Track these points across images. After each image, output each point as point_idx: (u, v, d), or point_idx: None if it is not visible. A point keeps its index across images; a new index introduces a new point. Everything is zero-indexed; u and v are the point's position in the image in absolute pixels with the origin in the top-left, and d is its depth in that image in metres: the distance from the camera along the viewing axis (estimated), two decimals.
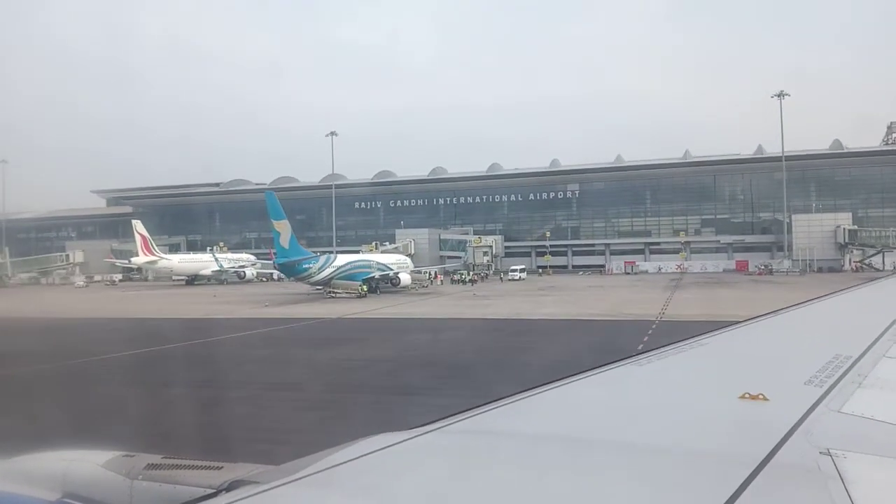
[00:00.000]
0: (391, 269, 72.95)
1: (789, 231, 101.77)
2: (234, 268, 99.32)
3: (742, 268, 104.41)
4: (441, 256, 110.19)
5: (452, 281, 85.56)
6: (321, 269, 65.67)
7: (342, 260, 69.38)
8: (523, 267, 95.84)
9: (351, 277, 67.19)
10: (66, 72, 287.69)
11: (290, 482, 2.55)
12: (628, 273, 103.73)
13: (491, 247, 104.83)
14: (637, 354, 5.17)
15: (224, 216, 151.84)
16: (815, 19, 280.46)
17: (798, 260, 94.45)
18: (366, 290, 64.76)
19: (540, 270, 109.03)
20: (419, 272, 77.78)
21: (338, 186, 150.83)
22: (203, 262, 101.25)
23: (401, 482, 2.72)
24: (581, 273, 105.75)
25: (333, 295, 64.46)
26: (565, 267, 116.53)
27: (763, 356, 5.85)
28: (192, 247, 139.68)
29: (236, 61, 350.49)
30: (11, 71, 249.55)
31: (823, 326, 8.08)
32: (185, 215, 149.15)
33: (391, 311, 51.07)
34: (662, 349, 5.37)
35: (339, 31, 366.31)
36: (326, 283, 65.84)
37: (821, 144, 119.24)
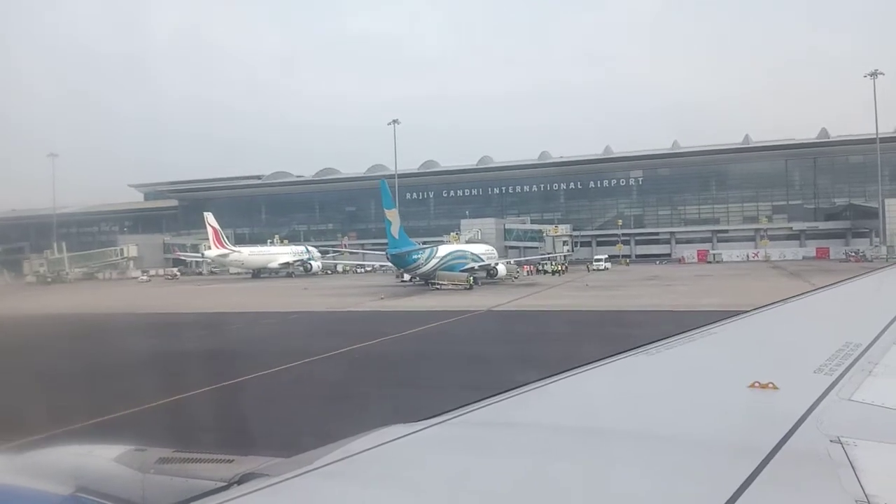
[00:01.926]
0: (482, 260, 70.05)
1: (872, 216, 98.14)
2: (303, 260, 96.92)
3: (822, 255, 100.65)
4: (506, 247, 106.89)
5: (537, 271, 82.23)
6: (428, 260, 62.84)
7: (444, 251, 66.44)
8: (608, 256, 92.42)
9: (450, 268, 64.27)
10: (84, 70, 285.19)
11: (301, 474, 2.57)
12: (709, 262, 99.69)
13: (571, 236, 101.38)
14: (647, 344, 5.10)
15: (270, 209, 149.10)
16: None
17: (893, 246, 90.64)
18: (472, 281, 61.68)
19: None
20: (509, 262, 74.77)
21: (384, 177, 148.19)
22: (270, 254, 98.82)
23: (412, 473, 2.77)
24: (658, 262, 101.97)
25: (438, 286, 61.41)
26: (628, 256, 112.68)
27: (772, 345, 5.86)
28: (240, 240, 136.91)
29: (250, 56, 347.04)
30: (37, 70, 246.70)
31: (833, 314, 8.00)
32: (231, 208, 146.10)
33: (528, 302, 48.00)
34: (672, 339, 5.32)
35: (350, 23, 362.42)
36: (430, 274, 62.84)
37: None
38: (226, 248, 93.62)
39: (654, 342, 5.17)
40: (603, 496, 2.50)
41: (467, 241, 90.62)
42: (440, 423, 3.26)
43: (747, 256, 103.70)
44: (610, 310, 42.33)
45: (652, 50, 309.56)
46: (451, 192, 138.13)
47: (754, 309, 7.40)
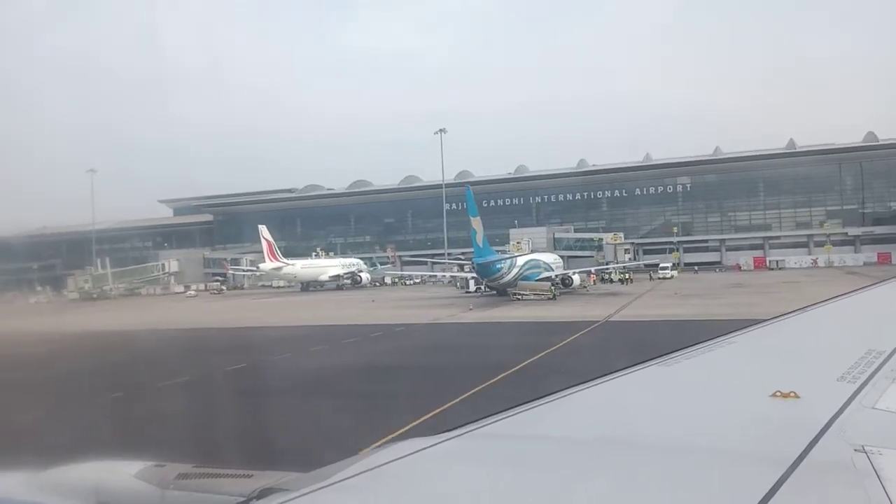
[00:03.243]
0: (552, 269, 68.07)
1: None
2: (352, 272, 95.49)
3: (884, 260, 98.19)
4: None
5: (602, 280, 79.97)
6: (510, 270, 60.83)
7: (521, 260, 64.47)
8: (673, 264, 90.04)
9: (526, 278, 62.25)
10: (106, 92, 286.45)
11: (319, 489, 2.58)
12: (771, 268, 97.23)
13: (633, 244, 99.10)
14: (664, 355, 4.96)
15: (304, 222, 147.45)
16: None
17: None
18: (556, 292, 59.55)
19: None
20: (582, 272, 72.64)
21: (417, 188, 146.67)
22: (321, 267, 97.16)
23: (431, 487, 2.76)
24: (717, 269, 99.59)
25: (519, 297, 59.28)
26: (695, 264, 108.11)
27: (793, 353, 5.80)
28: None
29: (261, 75, 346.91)
30: (59, 92, 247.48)
31: (854, 322, 7.97)
32: (265, 222, 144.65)
33: (635, 312, 45.73)
34: (690, 349, 5.25)
35: (350, 39, 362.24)
36: (511, 284, 60.77)
37: None
38: (279, 261, 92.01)
39: (672, 352, 5.06)
40: None
41: (532, 250, 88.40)
42: (458, 436, 3.23)
43: (815, 262, 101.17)
44: (743, 318, 40.04)
45: (667, 60, 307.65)
46: (490, 202, 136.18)
47: (773, 317, 7.28)
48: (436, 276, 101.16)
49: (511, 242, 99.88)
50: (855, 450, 2.80)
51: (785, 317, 7.42)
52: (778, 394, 3.72)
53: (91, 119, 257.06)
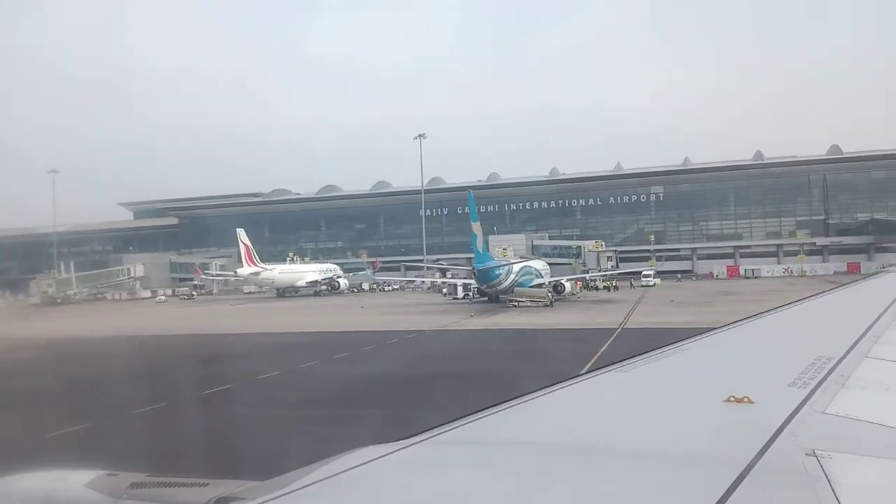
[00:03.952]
0: (542, 276, 67.59)
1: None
2: (330, 278, 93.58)
3: (854, 269, 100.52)
4: None
5: (586, 287, 79.59)
6: (507, 277, 60.01)
7: (517, 267, 63.73)
8: (655, 272, 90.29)
9: (520, 285, 61.62)
10: (64, 93, 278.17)
11: (276, 498, 2.53)
12: (747, 277, 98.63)
13: (616, 251, 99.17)
14: (621, 361, 5.07)
15: (274, 227, 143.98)
16: None
17: None
18: (553, 298, 58.94)
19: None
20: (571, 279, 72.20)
21: (391, 194, 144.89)
22: (298, 272, 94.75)
23: (389, 495, 2.72)
24: (694, 278, 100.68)
25: (515, 304, 58.46)
26: (679, 272, 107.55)
27: (747, 359, 5.90)
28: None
29: (214, 76, 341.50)
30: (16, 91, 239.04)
31: (805, 329, 8.21)
32: (233, 226, 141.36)
33: (644, 319, 45.23)
34: (646, 355, 5.34)
35: (313, 45, 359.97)
36: (506, 291, 59.93)
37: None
38: (258, 266, 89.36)
39: (629, 358, 5.16)
40: None
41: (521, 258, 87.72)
42: (417, 442, 3.20)
43: (787, 271, 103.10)
44: None
45: (633, 72, 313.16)
46: (463, 209, 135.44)
47: (727, 324, 7.55)
48: (413, 281, 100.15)
49: (498, 249, 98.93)
50: (806, 454, 2.86)
51: (738, 323, 7.66)
52: (732, 399, 3.78)
53: (47, 118, 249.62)
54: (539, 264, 72.29)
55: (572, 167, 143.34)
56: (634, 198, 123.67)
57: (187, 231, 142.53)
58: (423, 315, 53.51)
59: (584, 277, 75.79)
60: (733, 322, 7.73)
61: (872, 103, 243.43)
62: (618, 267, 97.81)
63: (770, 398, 3.98)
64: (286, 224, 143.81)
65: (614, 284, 79.50)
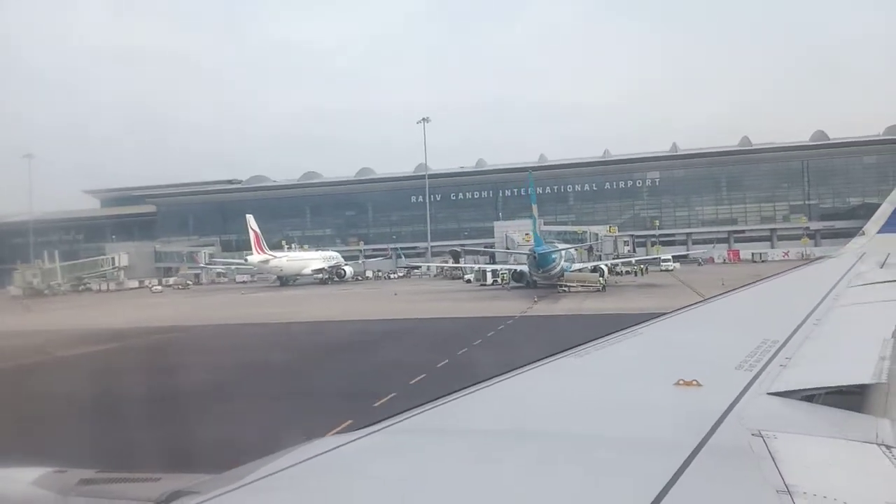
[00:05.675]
0: (575, 261, 66.25)
1: None
2: (337, 265, 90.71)
3: None
4: None
5: (610, 272, 78.38)
6: (559, 262, 58.10)
7: (563, 253, 61.95)
8: (674, 256, 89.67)
9: (565, 270, 60.01)
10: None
11: (230, 490, 2.55)
12: (755, 261, 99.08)
13: (632, 236, 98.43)
14: (576, 346, 5.18)
15: (257, 215, 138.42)
16: None
17: None
18: (604, 283, 57.45)
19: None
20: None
21: (372, 181, 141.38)
22: (304, 260, 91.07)
23: (342, 486, 2.74)
24: (700, 262, 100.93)
25: (566, 289, 56.65)
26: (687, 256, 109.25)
27: (696, 344, 6.05)
28: (227, 247, 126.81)
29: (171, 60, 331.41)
30: None
31: (751, 313, 8.50)
32: (212, 214, 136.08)
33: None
34: (600, 340, 5.46)
35: (272, 31, 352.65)
36: (558, 276, 58.11)
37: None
38: (267, 253, 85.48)
39: (583, 344, 5.29)
40: (534, 498, 2.48)
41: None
42: (375, 432, 3.21)
43: (785, 255, 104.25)
44: None
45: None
46: (454, 196, 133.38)
47: (678, 309, 7.73)
48: (419, 267, 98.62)
49: (526, 233, 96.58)
50: (752, 434, 2.94)
51: (688, 309, 7.85)
52: (681, 382, 3.85)
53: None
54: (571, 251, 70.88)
55: (559, 155, 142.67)
56: (630, 183, 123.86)
57: (165, 219, 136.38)
58: (474, 302, 51.45)
59: (608, 263, 74.05)
60: (683, 307, 7.88)
61: (853, 90, 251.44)
62: (635, 251, 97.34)
63: (717, 381, 4.05)
64: (270, 211, 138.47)
65: (643, 268, 78.74)
